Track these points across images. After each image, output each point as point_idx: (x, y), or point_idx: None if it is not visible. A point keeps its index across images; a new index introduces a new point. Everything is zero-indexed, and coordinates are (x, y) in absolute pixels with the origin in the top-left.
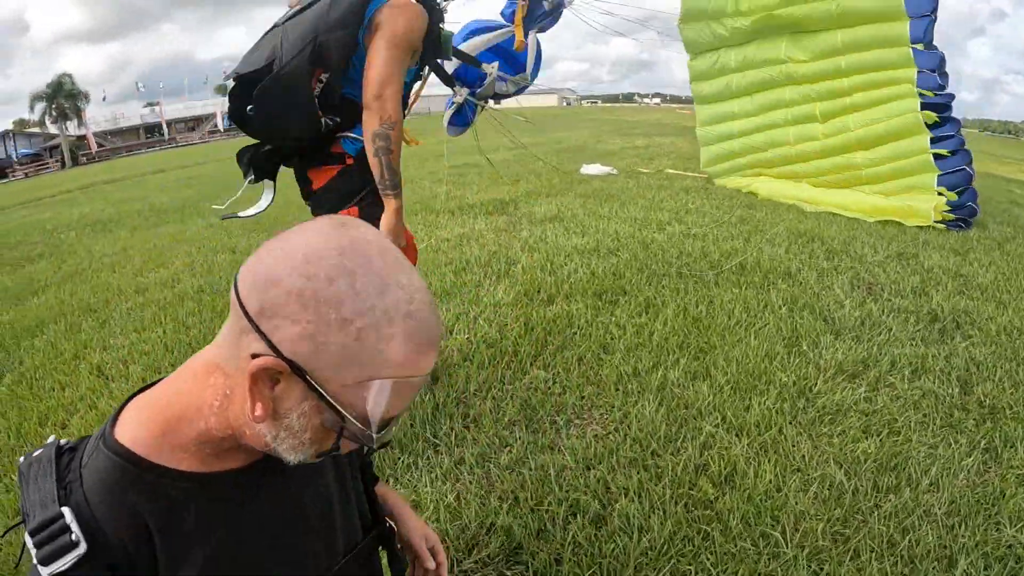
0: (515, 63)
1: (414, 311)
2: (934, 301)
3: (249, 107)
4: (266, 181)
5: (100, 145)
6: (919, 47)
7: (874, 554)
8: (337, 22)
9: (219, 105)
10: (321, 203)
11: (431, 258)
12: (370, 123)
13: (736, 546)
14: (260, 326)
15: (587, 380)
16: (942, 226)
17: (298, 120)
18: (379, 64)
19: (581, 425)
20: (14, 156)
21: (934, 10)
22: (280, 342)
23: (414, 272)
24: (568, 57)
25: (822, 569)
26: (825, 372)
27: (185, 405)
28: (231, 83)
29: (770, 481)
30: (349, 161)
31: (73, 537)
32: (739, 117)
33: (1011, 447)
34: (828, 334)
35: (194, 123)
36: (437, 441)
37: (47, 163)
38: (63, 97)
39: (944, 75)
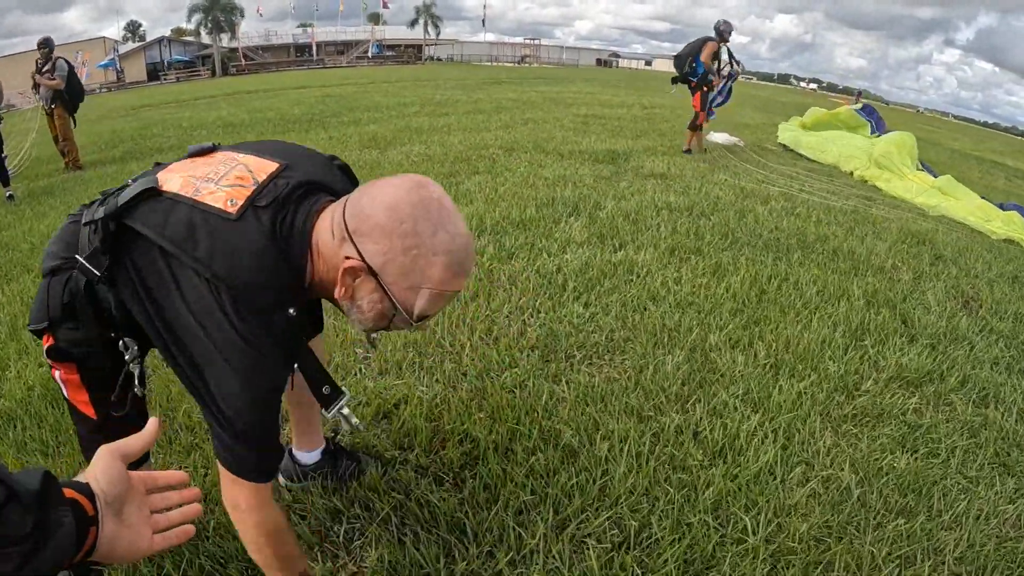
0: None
1: (453, 249)
2: None
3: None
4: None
5: (249, 59)
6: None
7: (848, 573)
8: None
9: (370, 32)
10: (698, 86)
11: (522, 192)
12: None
13: (696, 517)
14: (354, 240)
15: (623, 324)
16: None
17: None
18: (706, 57)
19: (599, 365)
20: (168, 61)
21: (872, 112)
22: (365, 253)
23: (461, 222)
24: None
25: (783, 568)
26: (881, 373)
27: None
28: None
29: (767, 464)
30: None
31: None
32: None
33: None
34: (901, 336)
35: (343, 47)
36: (452, 349)
37: (198, 71)
38: (219, 10)
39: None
